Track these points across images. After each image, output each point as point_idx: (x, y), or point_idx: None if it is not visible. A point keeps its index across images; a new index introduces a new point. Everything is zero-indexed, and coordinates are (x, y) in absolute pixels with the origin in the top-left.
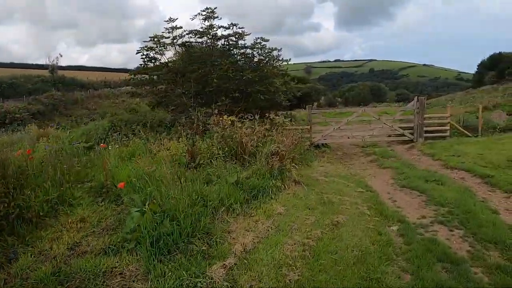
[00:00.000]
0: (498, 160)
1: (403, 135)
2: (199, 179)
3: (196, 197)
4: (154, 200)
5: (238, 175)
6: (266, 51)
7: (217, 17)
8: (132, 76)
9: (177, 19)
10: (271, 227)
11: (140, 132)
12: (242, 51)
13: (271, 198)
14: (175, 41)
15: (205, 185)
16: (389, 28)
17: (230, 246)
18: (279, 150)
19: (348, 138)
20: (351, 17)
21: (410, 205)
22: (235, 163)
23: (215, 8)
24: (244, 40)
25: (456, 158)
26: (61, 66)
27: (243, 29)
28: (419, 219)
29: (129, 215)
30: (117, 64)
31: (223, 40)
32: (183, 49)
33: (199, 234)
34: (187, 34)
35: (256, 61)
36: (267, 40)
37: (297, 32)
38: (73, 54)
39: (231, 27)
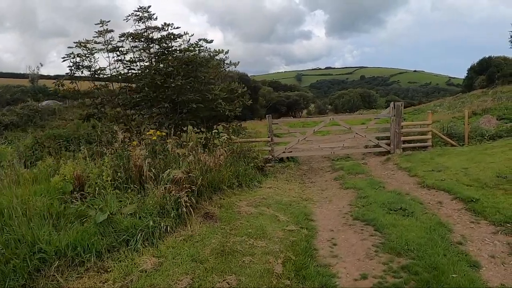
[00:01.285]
0: (485, 176)
1: (378, 146)
2: (70, 216)
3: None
4: None
5: (117, 210)
6: (211, 54)
7: (153, 17)
8: (59, 85)
9: (109, 21)
10: None
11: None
12: (179, 54)
13: (152, 243)
14: (108, 46)
15: (77, 224)
16: (379, 35)
17: None
18: (183, 177)
19: (323, 148)
20: (342, 25)
21: (353, 254)
22: (131, 192)
23: (149, 6)
24: (184, 41)
25: (435, 173)
26: (49, 76)
27: (179, 29)
28: (357, 280)
29: None
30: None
31: (155, 44)
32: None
33: None
34: (119, 37)
35: (191, 65)
36: (210, 42)
37: (288, 40)
38: (65, 63)
39: (165, 28)
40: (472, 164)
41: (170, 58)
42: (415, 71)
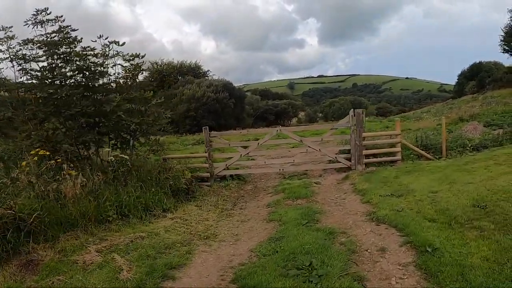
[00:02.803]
0: (457, 204)
1: (336, 161)
2: None
3: None
4: None
5: None
6: (125, 58)
7: (53, 20)
8: None
9: (11, 27)
10: None
11: None
12: (78, 62)
13: None
14: (12, 55)
15: None
16: (372, 42)
17: None
18: None
19: (271, 165)
20: (334, 33)
21: None
22: None
23: (46, 8)
24: (102, 46)
25: (394, 200)
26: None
27: (76, 31)
28: None
29: None
30: None
31: (53, 49)
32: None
33: None
34: (20, 45)
35: (87, 73)
36: (122, 44)
37: (281, 49)
38: None
39: (63, 31)
40: (444, 186)
41: (62, 64)
42: (407, 78)
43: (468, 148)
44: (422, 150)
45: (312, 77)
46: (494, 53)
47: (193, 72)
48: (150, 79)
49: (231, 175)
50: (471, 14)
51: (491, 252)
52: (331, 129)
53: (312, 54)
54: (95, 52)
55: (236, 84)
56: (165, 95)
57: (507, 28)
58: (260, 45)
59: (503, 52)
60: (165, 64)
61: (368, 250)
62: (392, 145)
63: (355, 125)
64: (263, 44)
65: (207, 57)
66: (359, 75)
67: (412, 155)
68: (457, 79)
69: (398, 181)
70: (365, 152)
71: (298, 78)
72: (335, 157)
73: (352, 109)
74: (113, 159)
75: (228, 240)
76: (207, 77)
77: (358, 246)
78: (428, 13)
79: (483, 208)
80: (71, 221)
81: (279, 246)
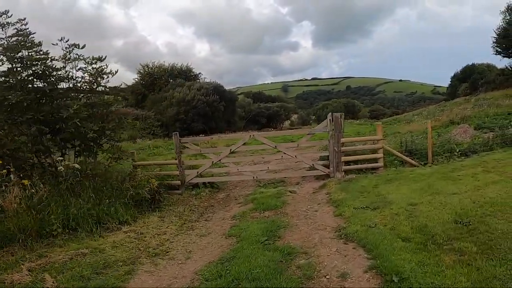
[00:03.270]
0: (437, 220)
1: (313, 168)
2: None
3: None
4: None
5: None
6: (87, 61)
7: (23, 22)
8: None
9: None
10: None
11: None
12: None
13: None
14: None
15: None
16: (366, 45)
17: None
18: None
19: (244, 173)
20: (328, 35)
21: None
22: None
23: (7, 11)
24: (67, 51)
25: (368, 213)
26: None
27: (33, 35)
28: None
29: None
30: None
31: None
32: None
33: None
34: None
35: (44, 77)
36: (82, 47)
37: (275, 51)
38: None
39: (22, 34)
40: (426, 197)
41: (19, 70)
42: (400, 80)
43: (456, 153)
44: (407, 155)
45: (306, 79)
46: (487, 55)
47: (185, 75)
48: (141, 81)
49: (204, 183)
50: (465, 16)
51: (470, 284)
52: (308, 134)
53: (306, 57)
54: (49, 56)
55: (230, 87)
56: (155, 98)
57: (499, 30)
58: (254, 48)
59: (495, 54)
60: (156, 67)
61: (327, 276)
62: (374, 151)
63: (333, 130)
64: (257, 47)
65: (201, 59)
66: (353, 77)
67: (396, 161)
68: (450, 81)
69: (376, 191)
70: (344, 158)
71: (292, 81)
72: (313, 164)
73: (330, 113)
74: (63, 169)
75: (179, 258)
76: (198, 80)
77: (317, 270)
78: (422, 15)
79: (466, 225)
80: (9, 236)
81: (226, 269)
